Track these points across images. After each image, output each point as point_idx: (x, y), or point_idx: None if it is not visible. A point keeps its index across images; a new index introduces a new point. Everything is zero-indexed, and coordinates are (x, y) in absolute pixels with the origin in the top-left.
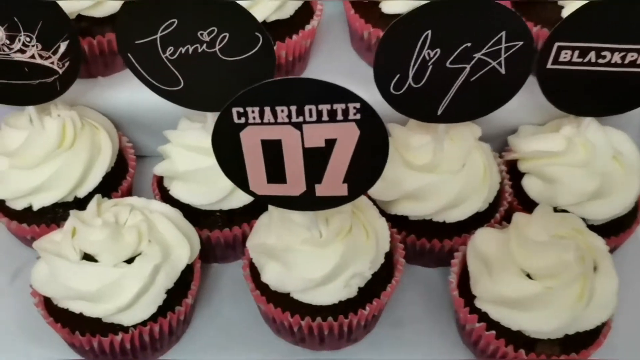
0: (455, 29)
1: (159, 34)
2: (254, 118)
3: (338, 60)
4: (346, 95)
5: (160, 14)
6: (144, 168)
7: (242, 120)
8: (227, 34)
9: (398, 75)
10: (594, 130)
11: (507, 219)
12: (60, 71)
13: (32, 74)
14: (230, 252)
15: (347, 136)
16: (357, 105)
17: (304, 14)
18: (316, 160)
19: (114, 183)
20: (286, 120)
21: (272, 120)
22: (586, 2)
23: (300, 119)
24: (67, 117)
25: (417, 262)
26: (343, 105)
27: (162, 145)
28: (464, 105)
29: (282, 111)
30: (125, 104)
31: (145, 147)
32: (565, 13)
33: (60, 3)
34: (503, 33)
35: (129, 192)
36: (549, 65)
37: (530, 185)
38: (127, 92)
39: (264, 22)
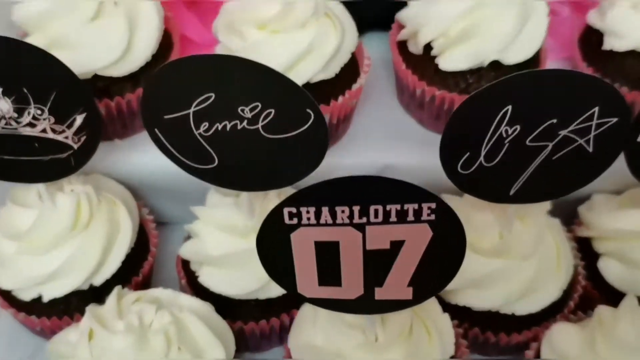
0: (541, 104)
1: (192, 109)
2: (308, 219)
3: (385, 118)
4: (420, 194)
5: (194, 87)
6: (167, 236)
7: (295, 221)
8: (273, 110)
9: (468, 154)
10: None
11: (582, 306)
12: (76, 146)
13: (43, 149)
14: (265, 342)
15: (417, 238)
16: (433, 205)
17: (351, 70)
18: (379, 263)
19: (134, 265)
20: (347, 221)
21: (330, 221)
22: None
23: (364, 219)
24: (82, 192)
25: (478, 352)
26: (416, 205)
27: (188, 224)
28: (541, 186)
29: (343, 212)
30: (145, 169)
31: (167, 213)
32: None
33: (76, 64)
34: (596, 108)
35: (150, 274)
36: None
37: (610, 269)
38: (148, 156)
39: (308, 83)
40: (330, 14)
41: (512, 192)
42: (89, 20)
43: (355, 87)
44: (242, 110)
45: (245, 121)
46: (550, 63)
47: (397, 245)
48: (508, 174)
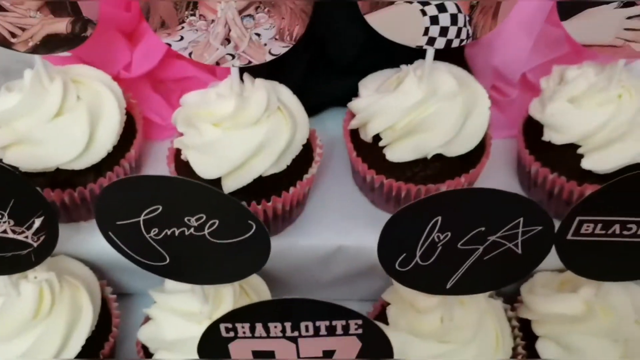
0: (469, 216)
1: (142, 218)
2: (244, 333)
3: (340, 198)
4: (346, 313)
5: (143, 200)
6: (130, 307)
7: (231, 334)
8: (217, 221)
9: (404, 255)
10: (616, 293)
11: None
12: (35, 244)
13: (5, 247)
14: None
15: (347, 348)
16: (359, 321)
17: (303, 160)
18: None
19: (95, 347)
20: (280, 334)
21: (264, 335)
22: (609, 182)
23: (296, 333)
24: (45, 280)
25: None
26: (343, 322)
27: (146, 308)
28: (475, 281)
29: (276, 327)
30: (109, 248)
31: (131, 286)
32: (585, 163)
33: (40, 159)
34: (520, 219)
35: (112, 353)
36: (569, 237)
37: (546, 352)
38: None
39: (260, 177)
40: (282, 108)
41: (448, 286)
42: (52, 116)
43: (306, 177)
44: (189, 220)
45: (192, 228)
46: (495, 141)
47: (329, 354)
48: (443, 272)
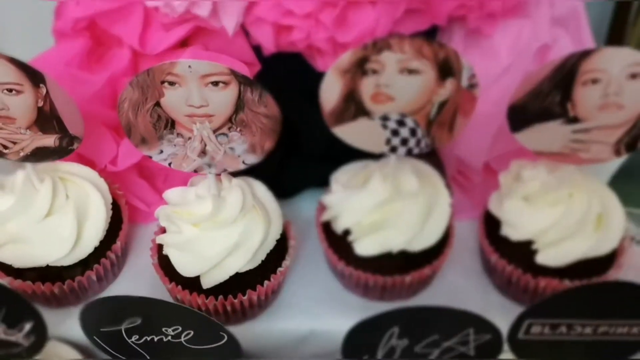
0: (423, 327)
1: (123, 327)
2: None
3: (313, 285)
4: None
5: (123, 314)
6: None
7: None
8: (192, 331)
9: (367, 355)
10: None
11: None
12: (26, 344)
13: None
14: None
15: None
16: None
17: (277, 254)
18: None
19: None
20: None
21: None
22: (554, 294)
23: None
24: None
25: None
26: None
27: None
28: None
29: None
30: None
31: None
32: (539, 258)
33: (30, 257)
34: (471, 329)
35: None
36: (519, 336)
37: None
38: None
39: (237, 273)
40: (257, 207)
41: None
42: (42, 217)
43: (280, 270)
44: (166, 330)
45: (170, 336)
46: (462, 223)
47: None
48: None
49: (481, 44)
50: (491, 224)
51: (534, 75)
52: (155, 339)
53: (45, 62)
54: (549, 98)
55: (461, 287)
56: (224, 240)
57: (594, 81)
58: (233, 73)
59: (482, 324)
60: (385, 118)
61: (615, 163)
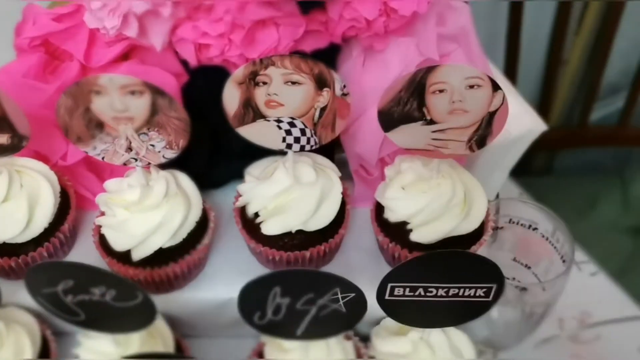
0: (299, 286)
1: (59, 288)
2: None
3: (234, 261)
4: None
5: (59, 277)
6: (67, 344)
7: None
8: (115, 291)
9: (259, 312)
10: (435, 336)
11: None
12: None
13: None
14: None
15: None
16: None
17: (199, 233)
18: None
19: None
20: None
21: None
22: (409, 259)
23: None
24: None
25: None
26: None
27: (74, 348)
28: (319, 329)
29: None
30: None
31: (65, 327)
32: (412, 236)
33: None
34: (337, 289)
35: None
36: (386, 297)
37: None
38: None
39: (161, 248)
40: (180, 194)
41: (298, 333)
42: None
43: (199, 246)
44: (94, 290)
45: (97, 295)
46: (363, 210)
47: None
48: (292, 323)
49: (376, 57)
50: (379, 210)
51: (395, 86)
52: (87, 298)
53: (6, 74)
54: (407, 104)
55: (358, 262)
56: (149, 221)
57: (441, 91)
58: (145, 84)
59: (345, 285)
60: (279, 121)
61: (512, 160)
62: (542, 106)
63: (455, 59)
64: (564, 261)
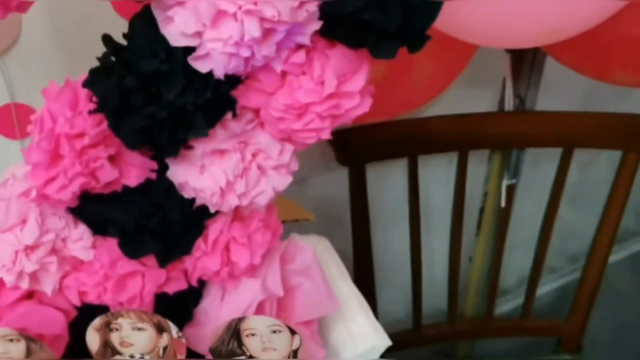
0: None
1: None
2: None
3: None
4: None
5: None
6: None
7: None
8: None
9: None
10: None
11: None
12: None
13: None
14: None
15: None
16: None
17: None
18: None
19: None
20: None
21: None
22: None
23: None
24: None
25: None
26: None
27: None
28: None
29: None
30: None
31: None
32: None
33: None
34: None
35: None
36: None
37: None
38: None
39: None
40: None
41: None
42: None
43: None
44: None
45: None
46: None
47: None
48: None
49: (231, 294)
50: None
51: (217, 330)
52: None
53: None
54: (230, 344)
55: None
56: None
57: (253, 334)
58: (20, 334)
59: None
60: (132, 356)
61: None
62: None
63: (304, 291)
64: None
